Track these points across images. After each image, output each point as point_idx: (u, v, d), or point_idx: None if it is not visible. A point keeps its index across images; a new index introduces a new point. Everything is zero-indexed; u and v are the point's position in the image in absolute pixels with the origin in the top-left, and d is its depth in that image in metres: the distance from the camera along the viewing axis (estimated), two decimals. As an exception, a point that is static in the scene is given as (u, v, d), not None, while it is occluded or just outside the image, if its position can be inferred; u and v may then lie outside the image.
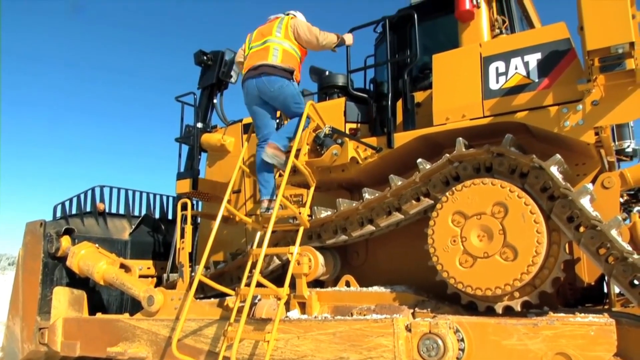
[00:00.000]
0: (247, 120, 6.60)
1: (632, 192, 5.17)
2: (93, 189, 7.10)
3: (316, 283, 4.89)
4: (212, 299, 5.12)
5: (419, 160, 4.28)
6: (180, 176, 6.43)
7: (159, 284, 6.57)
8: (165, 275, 6.43)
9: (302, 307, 4.52)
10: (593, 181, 4.21)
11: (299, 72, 5.16)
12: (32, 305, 6.13)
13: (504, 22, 5.04)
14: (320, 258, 4.66)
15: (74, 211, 6.91)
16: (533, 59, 4.20)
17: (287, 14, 5.28)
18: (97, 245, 6.33)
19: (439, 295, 4.18)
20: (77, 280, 6.34)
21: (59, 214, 6.82)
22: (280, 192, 4.44)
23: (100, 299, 6.72)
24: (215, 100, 7.00)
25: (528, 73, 4.20)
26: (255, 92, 4.94)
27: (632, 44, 3.56)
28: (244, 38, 5.40)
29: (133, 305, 6.60)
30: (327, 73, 6.32)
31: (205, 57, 6.84)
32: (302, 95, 5.20)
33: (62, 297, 5.98)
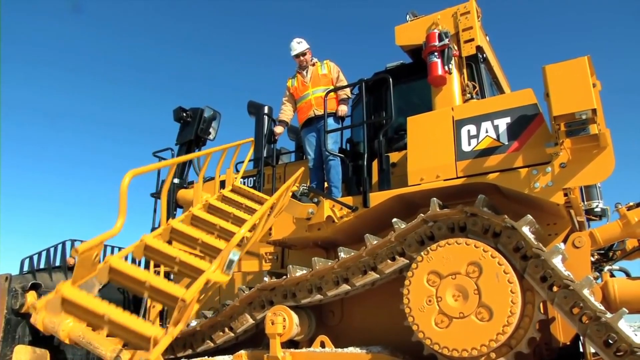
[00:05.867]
0: (223, 177, 6.63)
1: (602, 252, 5.26)
2: (63, 243, 6.92)
3: (290, 344, 4.77)
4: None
5: (394, 219, 4.33)
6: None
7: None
8: (134, 335, 6.20)
9: (276, 368, 4.39)
10: (564, 241, 4.29)
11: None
12: (-11, 365, 5.82)
13: (474, 87, 5.25)
14: (295, 318, 4.58)
15: (42, 265, 6.71)
16: (503, 122, 4.38)
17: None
18: (64, 302, 6.10)
19: (415, 356, 4.12)
20: (40, 339, 6.04)
21: (26, 268, 6.61)
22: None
23: (64, 358, 6.41)
24: (193, 157, 7.03)
25: (498, 136, 4.36)
26: None
27: (594, 111, 3.78)
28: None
29: (99, 366, 6.31)
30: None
31: (184, 114, 6.93)
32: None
33: (24, 356, 5.69)
